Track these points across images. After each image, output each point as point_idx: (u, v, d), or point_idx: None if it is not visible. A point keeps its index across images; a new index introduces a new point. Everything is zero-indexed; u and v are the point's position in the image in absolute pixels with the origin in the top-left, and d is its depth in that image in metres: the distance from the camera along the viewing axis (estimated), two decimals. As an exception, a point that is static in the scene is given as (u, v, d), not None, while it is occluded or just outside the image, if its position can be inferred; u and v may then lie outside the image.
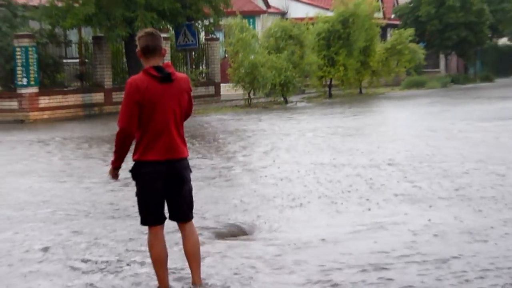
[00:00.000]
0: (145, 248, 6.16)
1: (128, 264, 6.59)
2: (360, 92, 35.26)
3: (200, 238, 6.16)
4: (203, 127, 20.16)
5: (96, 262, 6.70)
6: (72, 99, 24.86)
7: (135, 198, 5.67)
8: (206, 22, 27.75)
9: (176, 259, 6.38)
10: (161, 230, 5.68)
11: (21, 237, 7.79)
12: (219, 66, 31.68)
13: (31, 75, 23.33)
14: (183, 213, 5.72)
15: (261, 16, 39.10)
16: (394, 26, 43.47)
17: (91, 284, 6.07)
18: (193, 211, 5.80)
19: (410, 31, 36.31)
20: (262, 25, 36.84)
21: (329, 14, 34.02)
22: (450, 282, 5.88)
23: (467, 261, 6.40)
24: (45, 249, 7.22)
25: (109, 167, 5.79)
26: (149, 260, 5.98)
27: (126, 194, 9.70)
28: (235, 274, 6.21)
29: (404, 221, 7.99)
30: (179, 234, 5.91)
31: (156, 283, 5.82)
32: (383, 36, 39.74)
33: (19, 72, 23.27)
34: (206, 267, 6.22)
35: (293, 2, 43.76)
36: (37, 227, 8.27)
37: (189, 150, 5.83)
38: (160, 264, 5.68)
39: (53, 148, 16.09)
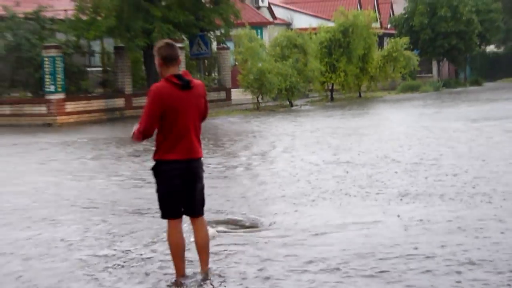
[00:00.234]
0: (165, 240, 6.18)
1: (145, 255, 6.59)
2: (359, 95, 35.23)
3: (212, 230, 6.13)
4: (216, 127, 20.21)
5: (122, 251, 6.74)
6: (96, 104, 24.96)
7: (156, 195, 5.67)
8: (218, 33, 27.94)
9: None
10: (180, 223, 5.69)
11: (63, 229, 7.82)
12: (229, 73, 31.74)
13: (58, 83, 23.41)
14: (195, 208, 5.73)
15: (268, 27, 39.10)
16: (390, 35, 43.48)
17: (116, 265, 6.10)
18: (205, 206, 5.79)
19: (405, 39, 36.37)
20: (269, 35, 36.82)
21: (331, 24, 34.04)
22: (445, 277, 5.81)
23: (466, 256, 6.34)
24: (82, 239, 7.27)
25: (133, 130, 5.56)
26: (166, 251, 5.99)
27: (146, 190, 9.71)
28: (247, 264, 6.19)
29: (401, 216, 7.85)
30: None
31: (173, 271, 5.83)
32: (380, 44, 39.71)
33: (47, 79, 23.35)
34: (219, 260, 6.23)
35: (297, 13, 43.77)
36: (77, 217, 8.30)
37: (203, 149, 5.82)
38: (178, 255, 5.69)
39: (80, 148, 16.12)
